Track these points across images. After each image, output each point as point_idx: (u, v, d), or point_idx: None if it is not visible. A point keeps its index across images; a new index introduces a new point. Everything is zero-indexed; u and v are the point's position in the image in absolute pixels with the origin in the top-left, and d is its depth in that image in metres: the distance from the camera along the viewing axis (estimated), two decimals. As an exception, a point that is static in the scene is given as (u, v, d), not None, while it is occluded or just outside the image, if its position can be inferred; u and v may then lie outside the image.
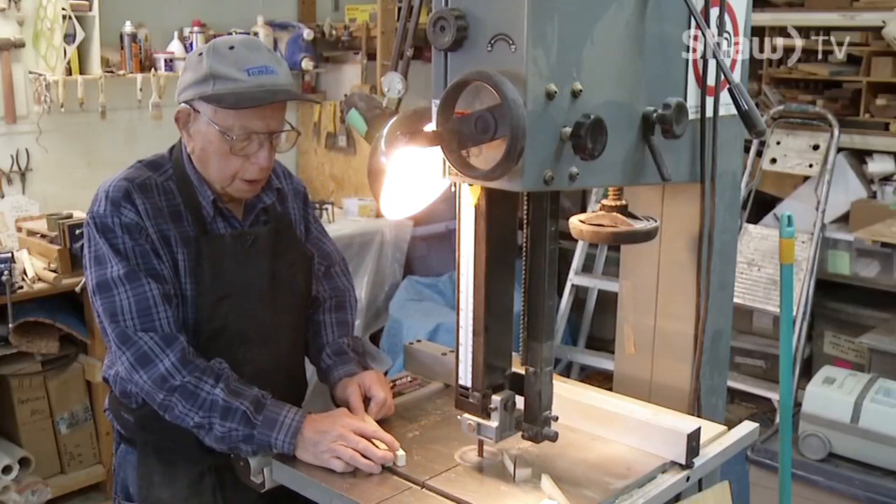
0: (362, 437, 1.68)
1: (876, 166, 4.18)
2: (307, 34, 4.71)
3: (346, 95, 1.68)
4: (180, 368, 1.73)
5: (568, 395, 1.82)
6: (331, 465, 1.66)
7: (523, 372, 1.61)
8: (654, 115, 1.52)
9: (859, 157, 4.28)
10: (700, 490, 1.73)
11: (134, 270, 1.75)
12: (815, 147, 4.17)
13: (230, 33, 4.45)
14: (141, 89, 4.08)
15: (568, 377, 3.13)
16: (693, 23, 1.61)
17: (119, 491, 1.99)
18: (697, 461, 1.67)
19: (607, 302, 4.72)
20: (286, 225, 1.98)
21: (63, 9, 3.78)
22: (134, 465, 1.92)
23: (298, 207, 2.04)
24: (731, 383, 3.40)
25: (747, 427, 1.83)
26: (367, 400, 1.84)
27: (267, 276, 1.89)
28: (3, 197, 3.93)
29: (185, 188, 1.84)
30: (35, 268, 3.55)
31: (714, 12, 1.69)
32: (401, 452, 1.68)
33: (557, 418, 1.62)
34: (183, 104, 1.80)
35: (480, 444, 1.69)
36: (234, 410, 1.70)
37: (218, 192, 1.85)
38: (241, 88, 1.73)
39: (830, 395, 3.02)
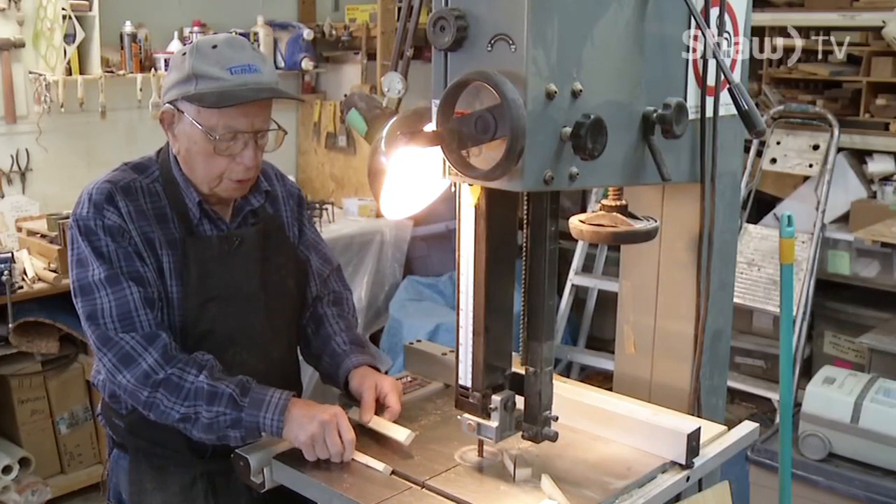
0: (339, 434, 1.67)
1: (876, 166, 4.18)
2: (307, 34, 4.72)
3: (346, 95, 1.68)
4: (163, 364, 1.72)
5: (568, 395, 1.82)
6: (299, 443, 1.65)
7: (523, 372, 1.61)
8: (654, 115, 1.52)
9: (859, 157, 4.28)
10: (700, 490, 1.73)
11: (115, 274, 1.74)
12: (815, 147, 4.17)
13: (229, 34, 4.45)
14: (141, 89, 4.08)
15: (568, 377, 3.13)
16: (693, 23, 1.61)
17: (112, 496, 1.97)
18: (697, 461, 1.67)
19: (607, 302, 4.72)
20: (276, 227, 1.96)
21: (63, 9, 3.78)
22: (126, 470, 1.91)
23: (292, 210, 2.02)
24: (731, 383, 3.40)
25: (747, 427, 1.83)
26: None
27: (256, 279, 1.88)
28: (3, 197, 3.93)
29: (171, 190, 1.82)
30: (35, 268, 3.55)
31: (714, 12, 1.69)
32: (408, 432, 1.69)
33: (557, 418, 1.62)
34: (167, 105, 1.79)
35: (480, 444, 1.68)
36: (220, 394, 1.69)
37: (205, 194, 1.83)
38: (223, 87, 1.71)
39: (830, 395, 3.02)
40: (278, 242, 1.95)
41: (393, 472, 1.65)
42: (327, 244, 2.13)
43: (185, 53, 1.76)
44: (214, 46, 1.75)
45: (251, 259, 1.87)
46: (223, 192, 1.83)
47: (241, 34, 4.45)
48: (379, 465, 1.65)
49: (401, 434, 1.72)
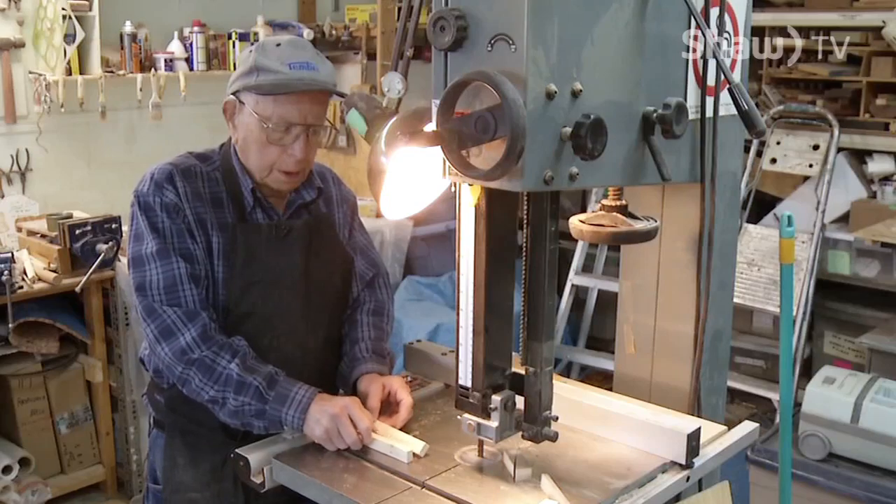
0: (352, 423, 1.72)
1: (876, 166, 4.18)
2: (307, 34, 4.71)
3: (346, 95, 1.68)
4: (200, 343, 1.80)
5: (568, 395, 1.82)
6: (317, 438, 1.73)
7: (523, 372, 1.61)
8: (654, 115, 1.52)
9: (859, 157, 4.28)
10: (700, 490, 1.73)
11: (166, 248, 1.84)
12: (815, 147, 4.17)
13: (230, 33, 4.45)
14: (141, 89, 4.08)
15: (568, 377, 3.13)
16: (693, 23, 1.61)
17: (148, 474, 2.06)
18: (697, 461, 1.67)
19: (607, 302, 4.72)
20: (327, 224, 2.03)
21: (63, 9, 3.78)
22: (162, 447, 1.98)
23: (345, 213, 2.10)
24: (731, 383, 3.40)
25: (747, 427, 1.83)
26: (384, 403, 1.87)
27: (299, 269, 1.94)
28: (3, 197, 3.93)
29: (229, 178, 1.92)
30: (35, 268, 3.54)
31: (714, 12, 1.69)
32: (422, 444, 1.71)
33: (557, 418, 1.62)
34: (230, 96, 1.89)
35: (480, 444, 1.69)
36: (247, 385, 1.77)
37: (258, 183, 1.92)
38: (279, 79, 1.81)
39: (830, 395, 3.02)
40: (327, 239, 2.02)
41: (393, 473, 1.65)
42: (377, 250, 2.20)
43: (251, 50, 1.88)
44: (278, 45, 1.86)
45: (297, 250, 1.95)
46: (273, 182, 1.91)
47: (241, 34, 4.47)
48: (405, 448, 1.68)
49: (416, 446, 1.72)
